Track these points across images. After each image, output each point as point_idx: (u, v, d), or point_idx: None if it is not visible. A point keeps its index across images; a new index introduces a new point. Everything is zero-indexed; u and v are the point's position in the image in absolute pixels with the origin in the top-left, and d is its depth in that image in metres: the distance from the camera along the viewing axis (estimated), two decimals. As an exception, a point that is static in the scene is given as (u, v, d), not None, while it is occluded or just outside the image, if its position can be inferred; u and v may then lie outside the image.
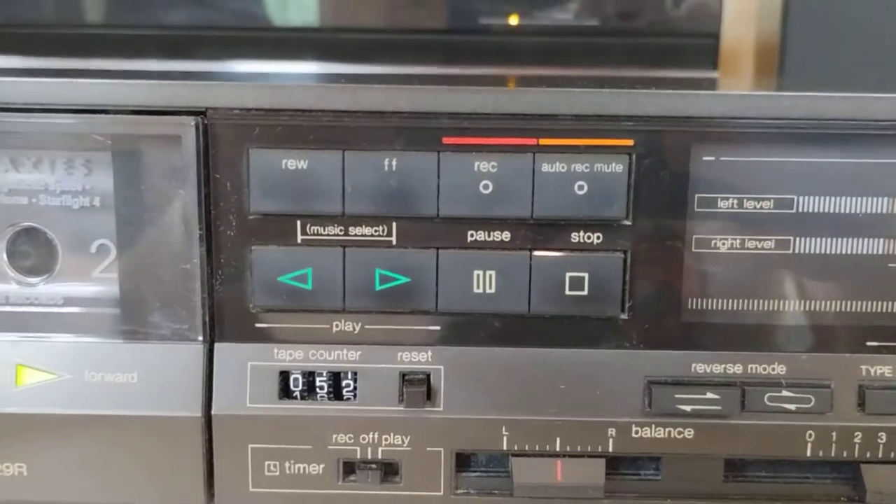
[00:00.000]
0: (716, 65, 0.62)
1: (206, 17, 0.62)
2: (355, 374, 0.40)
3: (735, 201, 0.39)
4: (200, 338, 0.40)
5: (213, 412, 0.40)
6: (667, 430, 0.39)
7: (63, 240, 0.41)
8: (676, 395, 0.39)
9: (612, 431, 0.39)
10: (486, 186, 0.38)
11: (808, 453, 0.39)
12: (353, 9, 0.63)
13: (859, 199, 0.39)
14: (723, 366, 0.39)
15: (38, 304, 0.41)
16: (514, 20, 0.62)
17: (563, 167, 0.38)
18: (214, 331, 0.40)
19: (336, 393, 0.40)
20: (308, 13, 0.63)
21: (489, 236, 0.39)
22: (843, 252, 0.39)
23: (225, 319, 0.40)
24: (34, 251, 0.41)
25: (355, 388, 0.40)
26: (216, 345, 0.40)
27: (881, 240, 0.39)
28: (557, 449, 0.40)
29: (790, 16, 0.60)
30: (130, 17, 0.62)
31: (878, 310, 0.39)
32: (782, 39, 0.60)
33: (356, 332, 0.40)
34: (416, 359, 0.40)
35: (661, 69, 0.61)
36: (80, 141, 0.39)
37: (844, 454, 0.39)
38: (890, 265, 0.39)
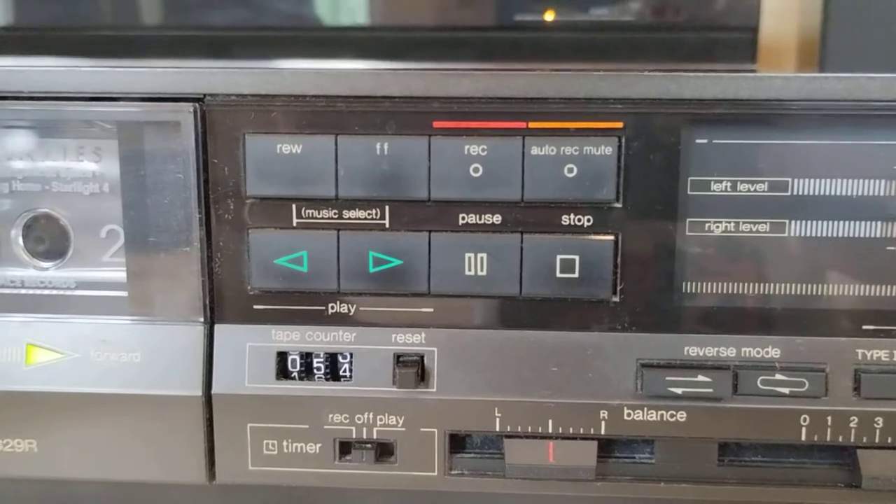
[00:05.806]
0: (755, 58, 0.61)
1: (253, 18, 0.63)
2: (351, 355, 0.40)
3: (729, 184, 0.39)
4: (201, 319, 0.41)
5: (213, 392, 0.41)
6: (659, 413, 0.39)
7: (75, 225, 0.42)
8: (668, 378, 0.39)
9: (604, 414, 0.39)
10: (476, 170, 0.38)
11: (803, 438, 0.39)
12: (387, 7, 0.64)
13: (855, 181, 0.38)
14: (715, 349, 0.39)
15: (52, 288, 0.42)
16: (550, 16, 0.62)
17: (552, 150, 0.38)
18: (214, 312, 0.41)
19: (333, 373, 0.41)
20: (345, 12, 0.63)
21: (480, 219, 0.39)
22: (839, 235, 0.39)
23: (224, 301, 0.41)
24: (48, 237, 0.43)
25: (351, 368, 0.40)
26: (216, 326, 0.41)
27: (878, 222, 0.38)
28: (550, 431, 0.40)
29: (831, 9, 0.59)
30: (181, 19, 0.63)
31: (875, 293, 0.39)
32: (823, 33, 0.60)
33: (351, 313, 0.40)
34: (410, 340, 0.40)
35: (698, 63, 0.61)
36: (89, 128, 0.41)
37: (840, 439, 0.39)
38: (888, 248, 0.39)
